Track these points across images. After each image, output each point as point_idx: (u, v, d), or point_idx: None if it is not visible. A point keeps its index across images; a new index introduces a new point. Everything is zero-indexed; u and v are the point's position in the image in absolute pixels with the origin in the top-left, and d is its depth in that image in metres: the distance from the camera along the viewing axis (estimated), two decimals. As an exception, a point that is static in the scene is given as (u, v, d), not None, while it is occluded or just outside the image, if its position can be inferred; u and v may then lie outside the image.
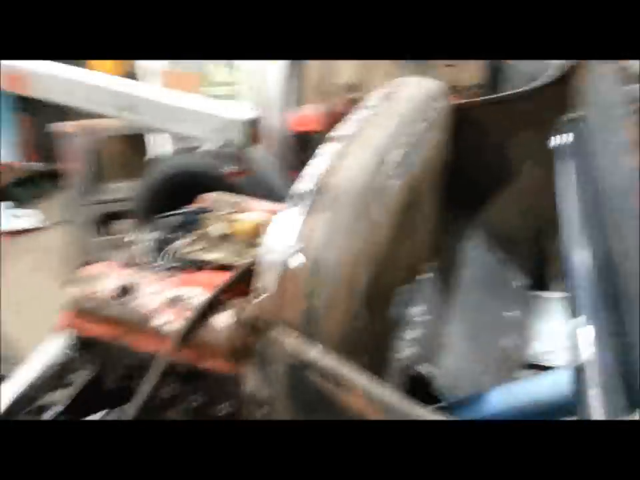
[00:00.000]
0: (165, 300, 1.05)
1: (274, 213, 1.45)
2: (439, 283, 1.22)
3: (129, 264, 1.27)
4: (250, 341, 0.67)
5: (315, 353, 0.58)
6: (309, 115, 3.94)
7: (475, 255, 1.39)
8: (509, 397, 0.90)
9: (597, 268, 0.72)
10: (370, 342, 0.79)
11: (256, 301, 0.64)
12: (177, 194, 2.77)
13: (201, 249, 1.23)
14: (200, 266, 1.18)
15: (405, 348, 1.03)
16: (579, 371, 0.59)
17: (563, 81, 1.34)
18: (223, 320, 0.99)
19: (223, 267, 1.17)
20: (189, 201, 2.31)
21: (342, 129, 0.87)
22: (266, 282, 0.64)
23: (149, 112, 1.60)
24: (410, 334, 1.06)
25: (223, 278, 1.05)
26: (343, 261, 0.68)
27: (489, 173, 1.47)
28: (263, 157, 2.63)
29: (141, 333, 1.03)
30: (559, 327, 1.30)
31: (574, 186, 1.03)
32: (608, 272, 0.70)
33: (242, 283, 1.09)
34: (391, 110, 0.98)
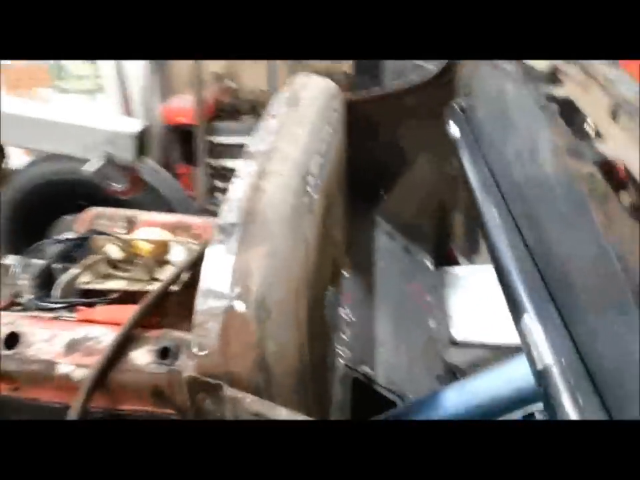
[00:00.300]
0: (64, 344, 0.93)
1: (172, 225, 1.35)
2: (356, 279, 1.22)
3: (11, 304, 1.11)
4: (197, 400, 0.60)
5: (277, 409, 0.53)
6: (180, 106, 3.77)
7: (383, 244, 1.41)
8: (465, 395, 0.90)
9: (526, 260, 0.74)
10: (311, 358, 0.76)
11: (199, 355, 0.58)
12: (45, 207, 2.49)
13: (97, 278, 1.10)
14: (100, 299, 1.06)
15: (340, 352, 1.02)
16: (543, 376, 0.57)
17: (448, 74, 1.39)
18: (140, 357, 0.90)
19: (127, 296, 1.06)
20: (60, 214, 2.06)
21: (254, 144, 0.82)
22: (207, 335, 0.57)
23: (17, 130, 1.35)
24: (341, 337, 1.05)
25: (130, 310, 0.95)
26: (288, 295, 0.63)
27: (385, 164, 1.50)
28: (153, 168, 2.44)
29: (43, 385, 0.90)
30: (475, 301, 1.38)
31: (476, 173, 1.07)
32: (539, 263, 0.72)
33: (155, 311, 1.00)
34: (299, 117, 0.95)
